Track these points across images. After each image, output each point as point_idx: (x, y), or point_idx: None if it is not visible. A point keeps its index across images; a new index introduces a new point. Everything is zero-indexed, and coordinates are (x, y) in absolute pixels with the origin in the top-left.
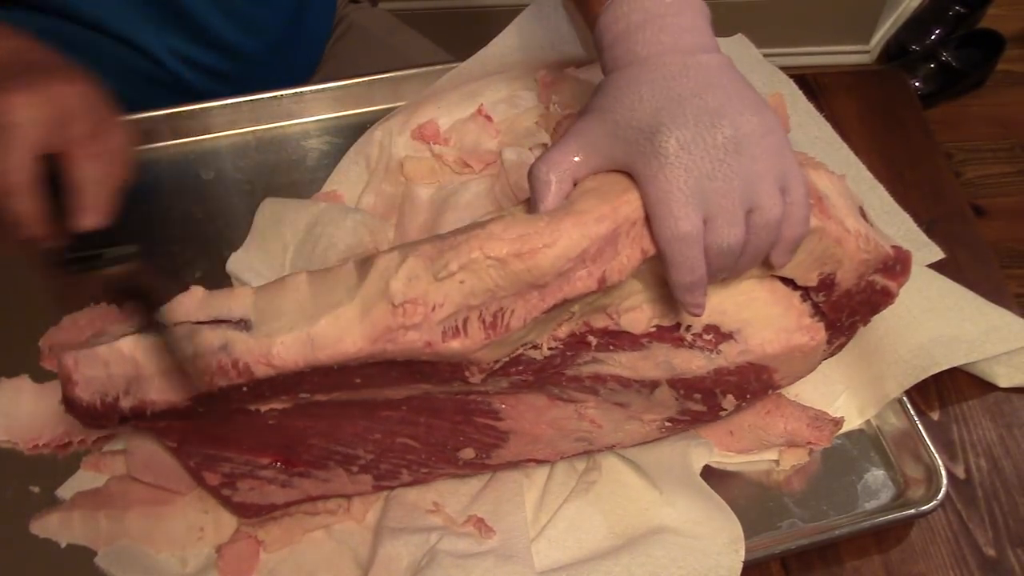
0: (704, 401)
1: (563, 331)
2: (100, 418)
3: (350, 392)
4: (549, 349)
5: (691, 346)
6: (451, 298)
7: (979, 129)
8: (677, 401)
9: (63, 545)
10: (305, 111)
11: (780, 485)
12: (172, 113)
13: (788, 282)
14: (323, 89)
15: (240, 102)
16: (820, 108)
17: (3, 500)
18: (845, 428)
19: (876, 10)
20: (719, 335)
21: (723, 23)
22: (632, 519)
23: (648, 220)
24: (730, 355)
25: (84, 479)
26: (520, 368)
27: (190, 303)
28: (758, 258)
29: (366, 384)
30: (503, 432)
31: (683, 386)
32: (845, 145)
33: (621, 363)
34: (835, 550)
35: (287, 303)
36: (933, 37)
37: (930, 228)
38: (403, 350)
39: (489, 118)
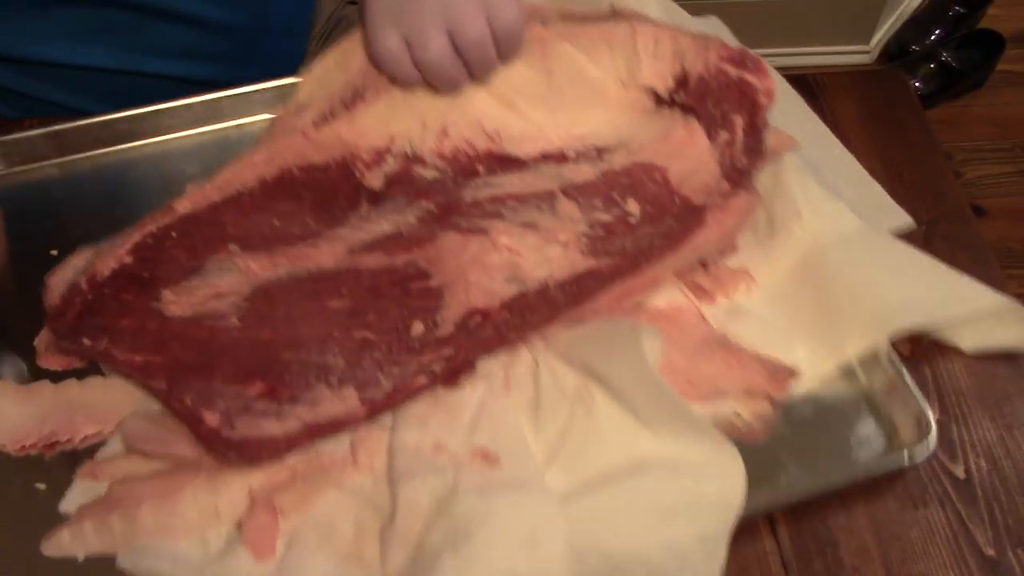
0: (607, 209)
1: (447, 147)
2: (66, 310)
3: (280, 251)
4: (436, 168)
5: (575, 160)
6: (315, 96)
7: (979, 129)
8: (582, 213)
9: (81, 559)
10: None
11: (775, 439)
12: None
13: (652, 94)
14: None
15: (221, 97)
16: (820, 108)
17: (8, 500)
18: (822, 386)
19: (876, 10)
20: (599, 149)
21: (724, 23)
22: (627, 448)
23: None
24: (615, 159)
25: (83, 491)
26: (416, 190)
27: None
28: (485, 71)
29: (285, 228)
30: (437, 289)
31: (579, 194)
32: (803, 103)
33: (513, 183)
34: (834, 550)
35: None
36: (933, 37)
37: (930, 228)
38: (287, 150)
39: None
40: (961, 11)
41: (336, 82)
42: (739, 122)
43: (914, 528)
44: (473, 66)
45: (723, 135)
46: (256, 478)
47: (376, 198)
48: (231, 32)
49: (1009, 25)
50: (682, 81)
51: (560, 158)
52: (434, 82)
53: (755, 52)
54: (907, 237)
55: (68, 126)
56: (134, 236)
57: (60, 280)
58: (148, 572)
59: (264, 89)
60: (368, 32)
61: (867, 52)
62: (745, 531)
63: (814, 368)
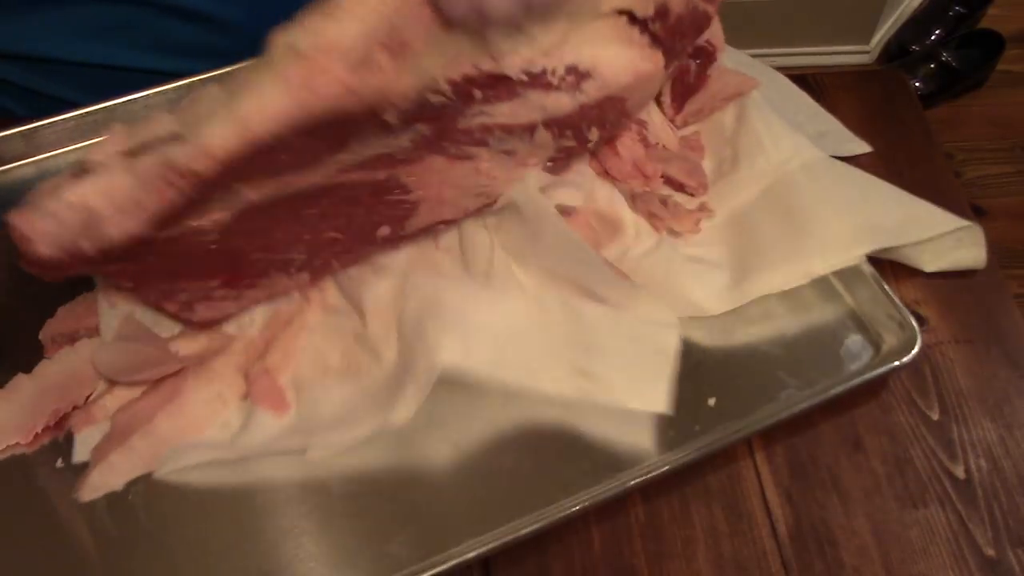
0: (574, 137)
1: (456, 72)
2: (65, 267)
3: (277, 180)
4: (443, 95)
5: (558, 88)
6: (355, 38)
7: (979, 129)
8: (554, 141)
9: (120, 488)
10: None
11: (771, 360)
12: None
13: (629, 17)
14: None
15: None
16: None
17: (36, 487)
18: (809, 307)
19: (876, 10)
20: (578, 74)
21: (723, 23)
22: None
23: None
24: (591, 92)
25: (87, 437)
26: (422, 115)
27: (114, 141)
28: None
29: (292, 163)
30: (414, 202)
31: (556, 125)
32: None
33: (503, 112)
34: (834, 550)
35: (205, 106)
36: (933, 37)
37: None
38: (323, 98)
39: None
40: (961, 11)
41: (372, 18)
42: (693, 68)
43: (914, 528)
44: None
45: (675, 63)
46: (239, 357)
47: (386, 129)
48: (239, 29)
49: (1009, 25)
50: (661, 13)
51: (544, 84)
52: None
53: (755, 52)
54: None
55: (43, 123)
56: (150, 202)
57: (47, 229)
58: (187, 468)
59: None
60: None
61: (867, 52)
62: (743, 524)
63: (779, 287)
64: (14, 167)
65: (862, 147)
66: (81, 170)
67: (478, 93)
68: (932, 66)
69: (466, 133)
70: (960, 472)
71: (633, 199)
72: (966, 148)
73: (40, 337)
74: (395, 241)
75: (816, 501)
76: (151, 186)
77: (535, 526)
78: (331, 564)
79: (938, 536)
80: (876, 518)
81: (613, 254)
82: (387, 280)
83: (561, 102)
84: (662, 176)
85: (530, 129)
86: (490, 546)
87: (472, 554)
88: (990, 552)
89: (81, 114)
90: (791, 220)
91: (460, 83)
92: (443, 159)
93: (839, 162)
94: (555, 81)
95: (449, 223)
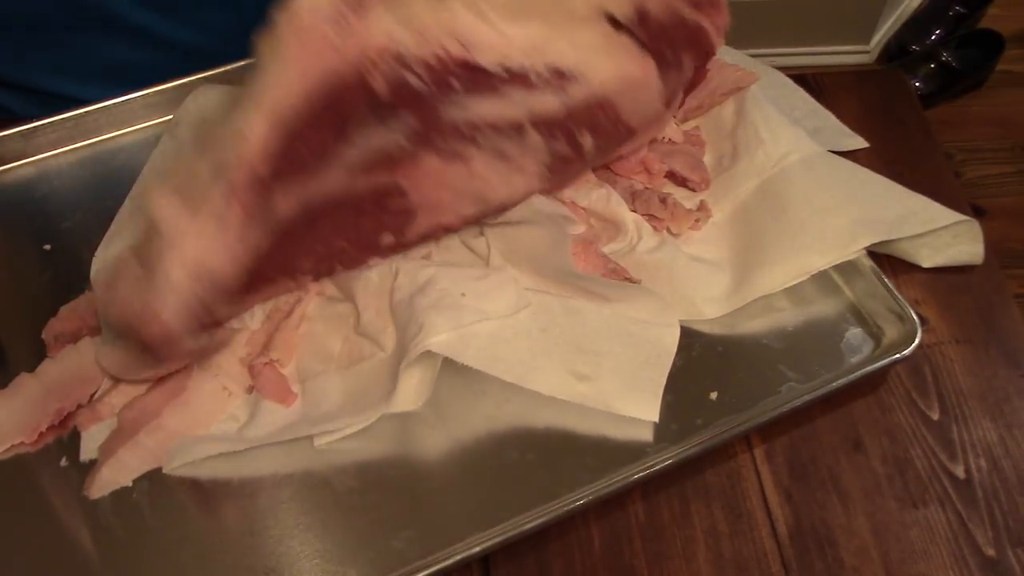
0: (567, 142)
1: (426, 52)
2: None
3: (302, 185)
4: (419, 77)
5: (542, 88)
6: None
7: (979, 129)
8: (545, 144)
9: (130, 484)
10: None
11: (772, 354)
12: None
13: (612, 21)
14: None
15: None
16: None
17: (40, 486)
18: (809, 302)
19: (876, 10)
20: (561, 75)
21: None
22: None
23: None
24: (576, 95)
25: (94, 435)
26: (404, 100)
27: (162, 190)
28: None
29: (310, 158)
30: (412, 209)
31: (544, 125)
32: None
33: (488, 109)
34: (834, 550)
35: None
36: (933, 37)
37: None
38: (318, 57)
39: None
40: (961, 11)
41: None
42: (689, 65)
43: (914, 528)
44: None
45: (673, 75)
46: (241, 349)
47: (377, 106)
48: (192, 49)
49: (1009, 25)
50: (642, 17)
51: (526, 83)
52: None
53: (755, 52)
54: None
55: (43, 123)
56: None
57: (173, 304)
58: (191, 465)
59: (235, 68)
60: None
61: (867, 52)
62: (743, 524)
63: (779, 282)
64: (14, 167)
65: (859, 143)
66: (150, 232)
67: (456, 83)
68: (932, 66)
69: (454, 129)
70: (960, 472)
71: (633, 198)
72: (966, 148)
73: (43, 336)
74: (397, 249)
75: (816, 501)
76: (231, 211)
77: (538, 521)
78: (334, 560)
79: (938, 536)
80: (876, 518)
81: (616, 249)
82: (377, 268)
83: (546, 102)
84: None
85: (518, 129)
86: (493, 541)
87: (476, 549)
88: (990, 552)
89: (80, 114)
90: (790, 216)
91: (434, 67)
92: (437, 159)
93: (837, 157)
94: (537, 81)
95: (448, 230)
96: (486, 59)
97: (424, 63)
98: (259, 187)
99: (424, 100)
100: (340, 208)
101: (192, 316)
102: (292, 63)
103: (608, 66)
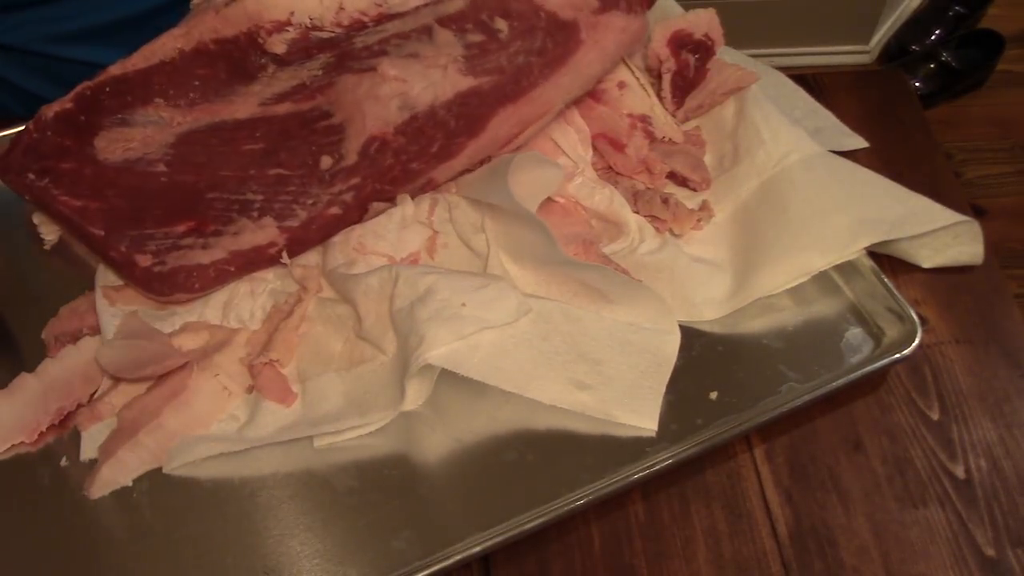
0: (478, 30)
1: (344, 18)
2: (14, 148)
3: (199, 107)
4: (332, 32)
5: None
6: None
7: (979, 129)
8: (456, 37)
9: (130, 484)
10: None
11: (772, 354)
12: None
13: None
14: None
15: None
16: None
17: (41, 486)
18: (809, 302)
19: (876, 10)
20: None
21: (724, 23)
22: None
23: None
24: None
25: (94, 434)
26: (315, 48)
27: None
28: None
29: (202, 88)
30: (339, 125)
31: (452, 22)
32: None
33: (396, 26)
34: (834, 550)
35: None
36: (933, 37)
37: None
38: (201, 24)
39: None
40: (961, 11)
41: None
42: (692, 62)
43: (914, 528)
44: None
45: None
46: (241, 349)
47: (281, 61)
48: None
49: (1009, 25)
50: None
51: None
52: None
53: (755, 52)
54: None
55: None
56: (75, 89)
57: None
58: (191, 465)
59: None
60: None
61: (867, 52)
62: (743, 524)
63: (780, 283)
64: None
65: (859, 142)
66: None
67: (368, 21)
68: (932, 66)
69: (365, 49)
70: (960, 472)
71: (635, 199)
72: (966, 148)
73: (43, 336)
74: (343, 175)
75: (816, 501)
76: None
77: (539, 520)
78: (334, 560)
79: (938, 536)
80: (876, 518)
81: (618, 249)
82: (377, 274)
83: (453, 2)
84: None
85: (426, 31)
86: (493, 541)
87: (476, 548)
88: (990, 552)
89: None
90: (790, 216)
91: (348, 25)
92: (350, 75)
93: (837, 156)
94: None
95: (384, 141)
96: (403, 6)
97: (338, 24)
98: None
99: (335, 41)
100: (259, 128)
101: (15, 140)
102: (179, 27)
103: None
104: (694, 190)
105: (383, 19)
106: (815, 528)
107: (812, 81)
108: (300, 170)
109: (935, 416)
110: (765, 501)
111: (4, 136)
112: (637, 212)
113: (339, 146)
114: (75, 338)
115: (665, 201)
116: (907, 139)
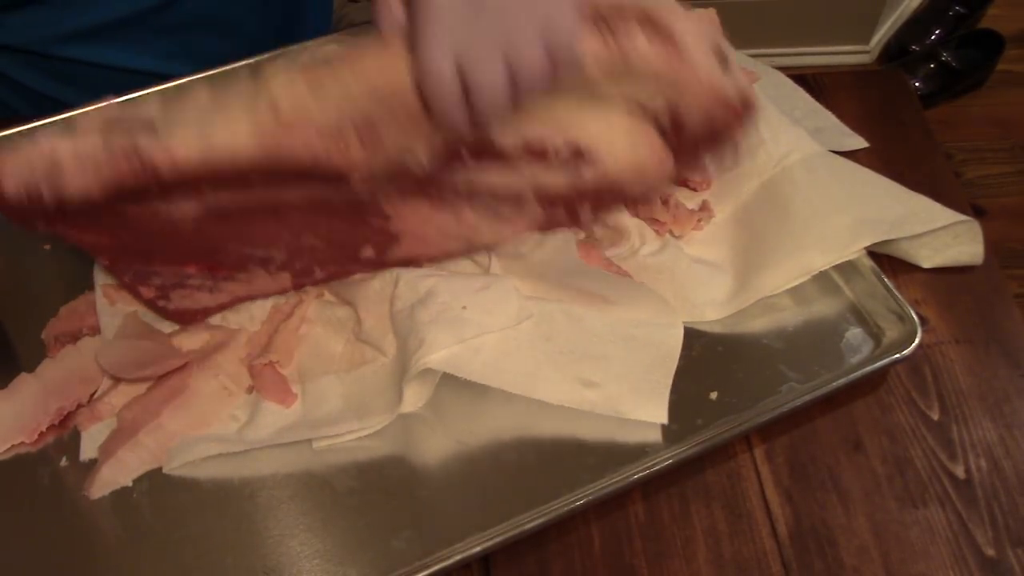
0: (566, 212)
1: (440, 144)
2: (27, 211)
3: (250, 194)
4: (424, 164)
5: (554, 164)
6: (331, 115)
7: (979, 129)
8: (544, 212)
9: (130, 484)
10: None
11: (773, 354)
12: None
13: (640, 107)
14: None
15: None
16: None
17: (41, 486)
18: (809, 302)
19: (876, 10)
20: (577, 152)
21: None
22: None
23: None
24: (587, 176)
25: (94, 434)
26: (399, 178)
27: (104, 110)
28: (530, 100)
29: (263, 184)
30: (394, 233)
31: (547, 199)
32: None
33: (493, 178)
34: (834, 550)
35: (188, 111)
36: (933, 37)
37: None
38: (288, 157)
39: None
40: (961, 11)
41: (350, 108)
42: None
43: (914, 528)
44: (521, 96)
45: (686, 166)
46: (241, 349)
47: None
48: (264, 42)
49: (1009, 25)
50: (675, 121)
51: (541, 156)
52: (479, 108)
53: (755, 52)
54: None
55: (43, 123)
56: (108, 171)
57: (16, 169)
58: (191, 465)
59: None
60: (421, 48)
61: (867, 52)
62: (743, 524)
63: (780, 283)
64: None
65: (859, 142)
66: (67, 127)
67: (466, 155)
68: (932, 66)
69: (451, 185)
70: (960, 472)
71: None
72: (966, 148)
73: (43, 337)
74: (379, 266)
75: (816, 501)
76: (113, 158)
77: (538, 521)
78: (334, 560)
79: (938, 536)
80: (876, 518)
81: (619, 253)
82: (379, 277)
83: (555, 178)
84: None
85: (519, 196)
86: (493, 541)
87: (476, 549)
88: (990, 552)
89: (79, 114)
90: (791, 216)
91: (444, 154)
92: (427, 204)
93: (837, 156)
94: (552, 154)
95: (432, 261)
96: (505, 134)
97: (434, 152)
98: (166, 181)
99: (423, 177)
100: (312, 207)
101: (23, 186)
102: (257, 142)
103: (627, 154)
104: (694, 190)
105: (480, 146)
106: (815, 528)
107: (812, 81)
108: (338, 250)
109: (935, 416)
110: (765, 501)
111: (9, 135)
112: (637, 215)
113: (386, 248)
114: (75, 338)
115: (665, 202)
116: (907, 139)
